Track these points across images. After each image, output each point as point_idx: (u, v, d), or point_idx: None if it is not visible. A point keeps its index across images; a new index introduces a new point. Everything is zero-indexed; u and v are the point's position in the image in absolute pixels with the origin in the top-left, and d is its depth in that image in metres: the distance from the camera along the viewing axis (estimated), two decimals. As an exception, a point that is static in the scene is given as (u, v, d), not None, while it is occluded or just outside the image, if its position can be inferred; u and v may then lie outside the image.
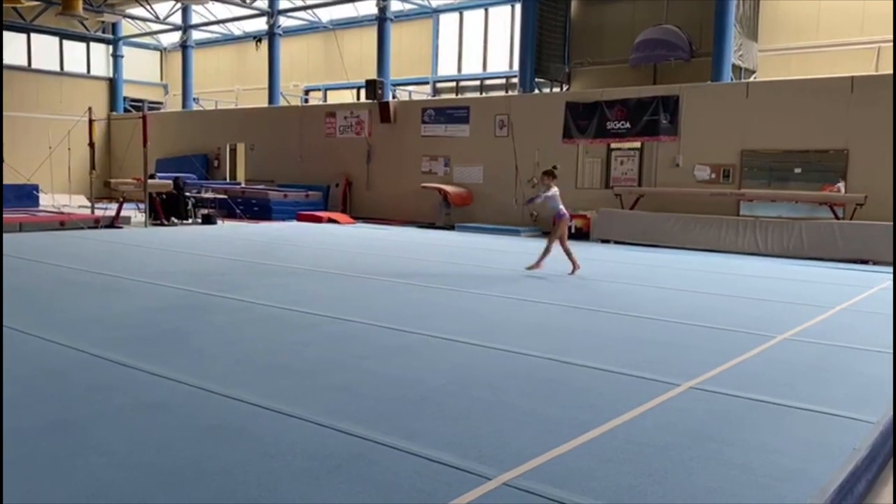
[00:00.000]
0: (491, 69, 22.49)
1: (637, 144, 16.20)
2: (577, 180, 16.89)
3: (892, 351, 5.64)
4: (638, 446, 3.64)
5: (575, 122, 16.80)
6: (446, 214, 18.12)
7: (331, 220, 18.57)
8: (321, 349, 5.49)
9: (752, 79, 16.33)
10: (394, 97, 21.18)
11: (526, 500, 3.00)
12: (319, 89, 25.93)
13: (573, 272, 9.84)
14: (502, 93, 21.19)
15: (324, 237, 14.74)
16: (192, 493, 2.98)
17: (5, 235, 13.26)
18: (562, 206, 10.04)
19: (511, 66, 21.50)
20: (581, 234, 15.66)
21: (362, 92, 22.50)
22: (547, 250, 10.00)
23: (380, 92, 20.13)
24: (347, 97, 24.51)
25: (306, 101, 25.32)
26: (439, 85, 23.51)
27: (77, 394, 4.27)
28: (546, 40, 18.21)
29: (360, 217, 19.76)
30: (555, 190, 10.00)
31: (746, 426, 4.03)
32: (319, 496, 2.98)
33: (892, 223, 12.35)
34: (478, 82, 22.83)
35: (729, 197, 14.65)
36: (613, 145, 16.53)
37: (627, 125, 16.10)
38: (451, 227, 17.72)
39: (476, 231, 16.96)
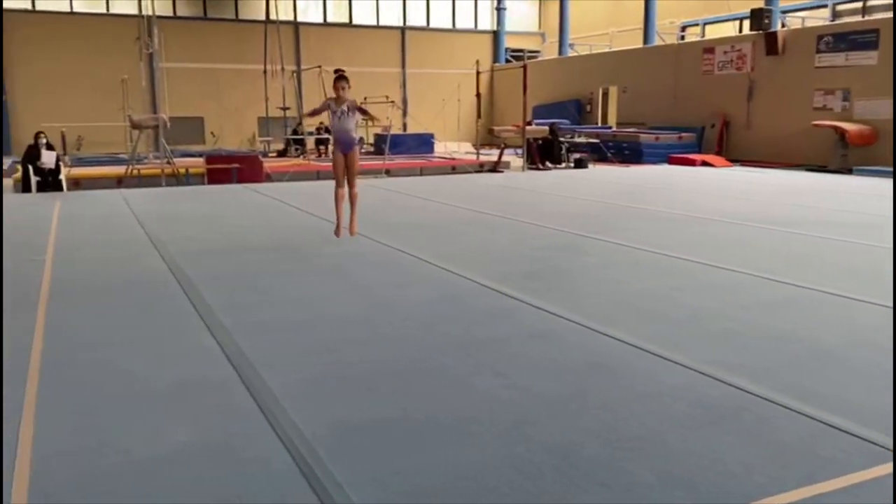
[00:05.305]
0: (910, -18, 18.92)
1: None
2: None
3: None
4: None
5: None
6: (842, 156, 15.98)
7: (705, 164, 17.69)
8: (697, 296, 5.29)
9: None
10: (783, 26, 19.10)
11: (955, 489, 2.54)
12: (697, 24, 24.54)
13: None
14: (924, 10, 17.74)
15: (697, 181, 14.10)
16: (574, 422, 3.12)
17: (410, 178, 15.21)
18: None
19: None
20: None
21: (745, 24, 20.73)
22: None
23: (766, 21, 18.30)
24: (728, 30, 22.79)
25: (682, 38, 24.20)
26: (839, 7, 20.54)
27: (471, 318, 4.75)
28: None
29: (737, 160, 18.46)
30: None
31: None
32: (704, 445, 2.89)
33: None
34: (891, 1, 19.40)
35: None
36: None
37: None
38: (847, 171, 15.60)
39: (880, 175, 14.68)
